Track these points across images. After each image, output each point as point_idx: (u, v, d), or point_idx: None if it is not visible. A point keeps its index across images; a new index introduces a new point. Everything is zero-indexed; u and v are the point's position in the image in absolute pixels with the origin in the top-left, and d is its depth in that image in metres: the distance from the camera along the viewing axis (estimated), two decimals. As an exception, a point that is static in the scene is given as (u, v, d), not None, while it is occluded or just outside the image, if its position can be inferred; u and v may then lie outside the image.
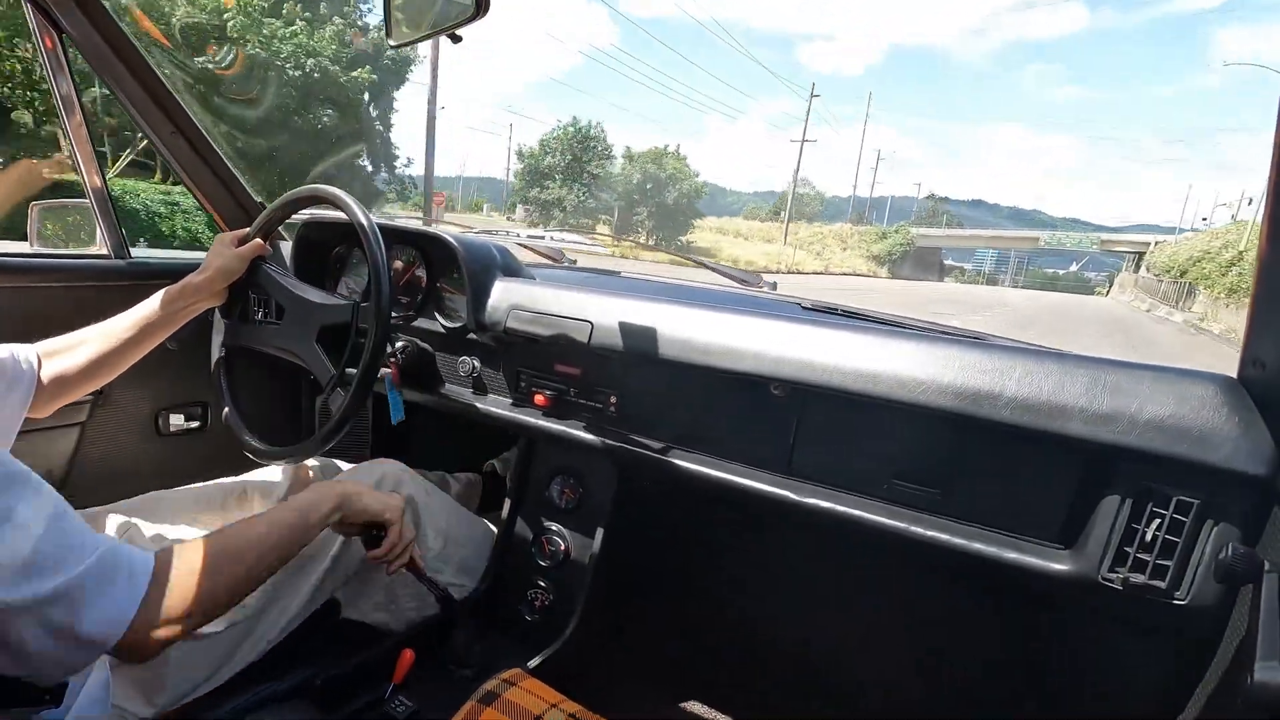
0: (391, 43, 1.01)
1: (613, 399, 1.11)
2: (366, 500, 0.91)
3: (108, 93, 1.28)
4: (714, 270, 1.43)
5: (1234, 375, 0.75)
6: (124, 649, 0.62)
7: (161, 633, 0.65)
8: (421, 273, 1.31)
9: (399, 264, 1.34)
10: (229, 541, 0.74)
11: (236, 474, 1.19)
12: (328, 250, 1.42)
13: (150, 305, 1.03)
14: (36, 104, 10.32)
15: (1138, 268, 48.49)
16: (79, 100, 1.26)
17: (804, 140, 39.46)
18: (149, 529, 0.99)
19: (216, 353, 1.19)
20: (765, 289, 1.39)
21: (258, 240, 1.13)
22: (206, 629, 0.88)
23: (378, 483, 1.08)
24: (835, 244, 47.63)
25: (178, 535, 1.00)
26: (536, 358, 1.18)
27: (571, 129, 30.86)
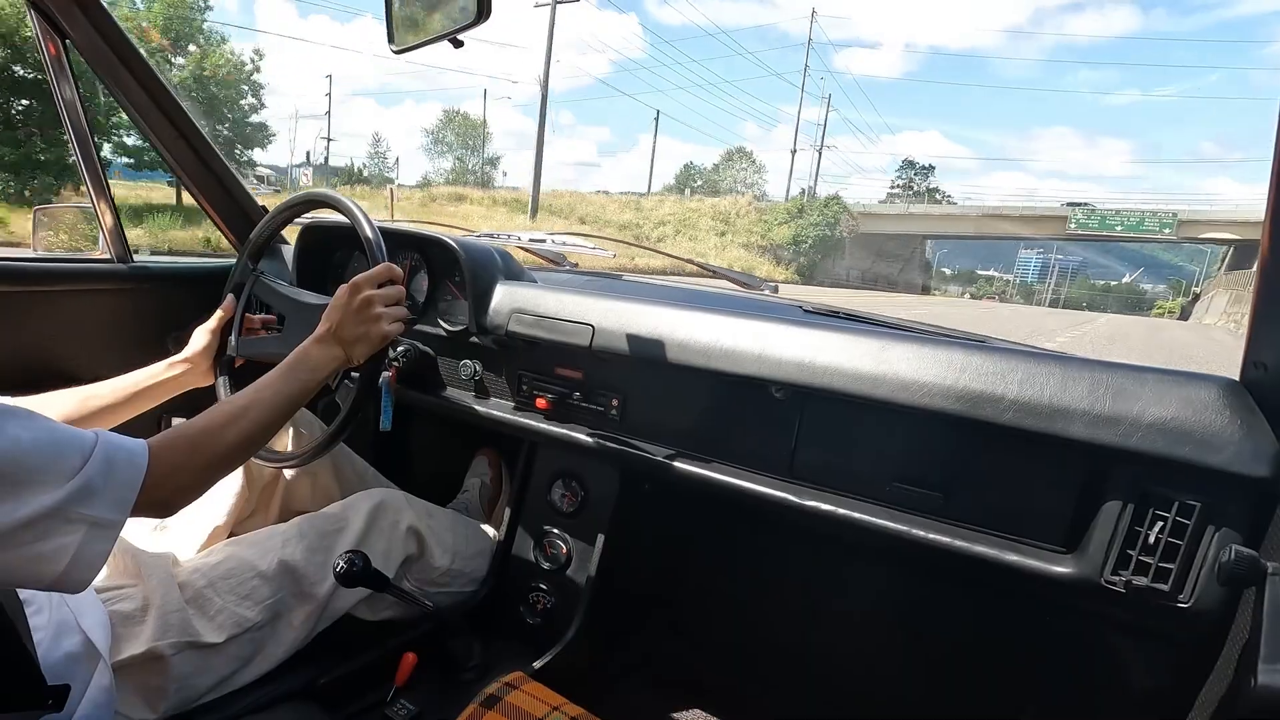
0: (393, 48, 1.01)
1: (614, 402, 1.11)
2: (370, 348, 0.91)
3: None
4: (716, 273, 1.44)
5: (1236, 378, 0.75)
6: (142, 511, 0.66)
7: (172, 497, 0.71)
8: (423, 276, 1.31)
9: (400, 267, 1.34)
10: (216, 409, 0.79)
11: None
12: (329, 254, 1.43)
13: (140, 375, 1.05)
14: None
15: (1238, 264, 34.45)
16: (81, 105, 1.26)
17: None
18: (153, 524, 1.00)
19: (220, 363, 1.19)
20: (766, 292, 1.40)
21: (223, 306, 1.15)
22: (209, 639, 0.89)
23: (375, 510, 1.08)
24: (710, 225, 32.22)
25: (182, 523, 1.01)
26: (538, 361, 1.18)
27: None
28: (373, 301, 0.91)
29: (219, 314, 1.15)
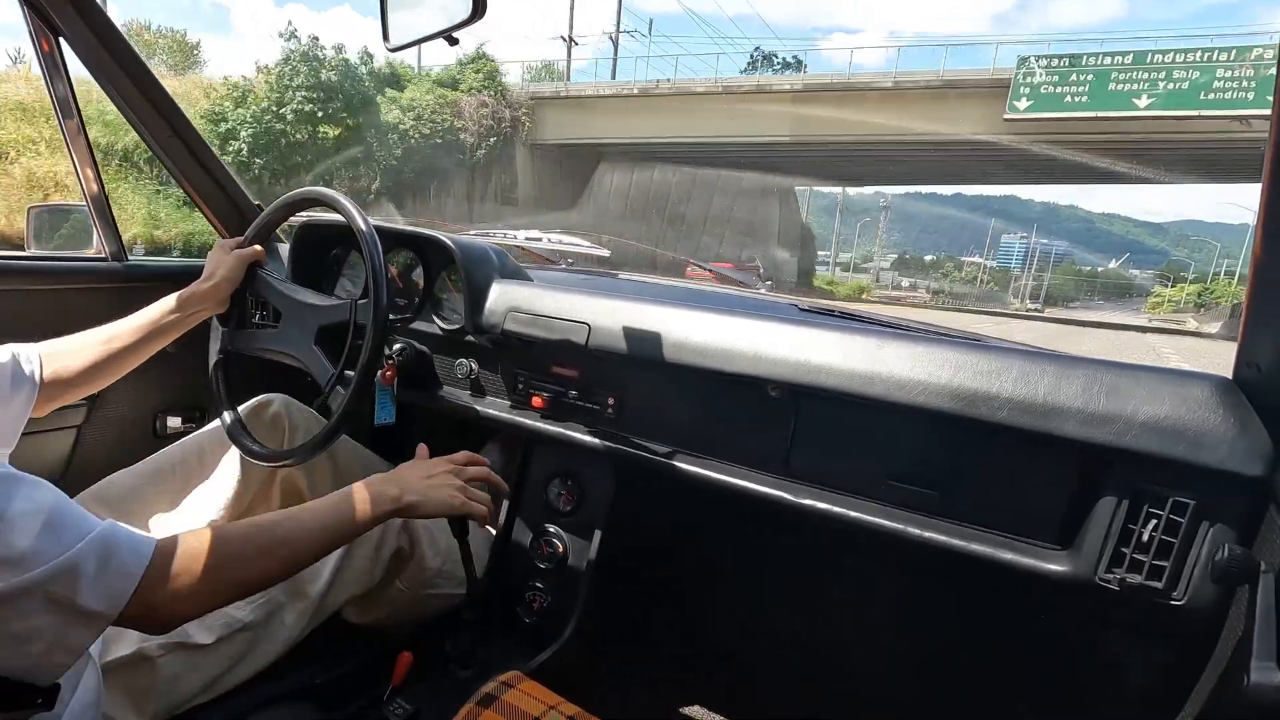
0: (388, 46, 1.01)
1: (610, 401, 1.11)
2: (430, 507, 0.85)
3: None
4: (712, 272, 1.44)
5: (1229, 376, 0.75)
6: (129, 621, 0.62)
7: (168, 609, 0.65)
8: (419, 275, 1.31)
9: (396, 266, 1.34)
10: (252, 530, 0.73)
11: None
12: (325, 253, 1.42)
13: (154, 311, 1.04)
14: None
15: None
16: (76, 103, 1.26)
17: None
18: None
19: (214, 356, 1.19)
20: (762, 290, 1.40)
21: (257, 246, 1.14)
22: (199, 640, 0.88)
23: None
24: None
25: (136, 515, 1.01)
26: (534, 360, 1.18)
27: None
28: (460, 473, 0.89)
29: (252, 249, 1.14)
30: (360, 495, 0.81)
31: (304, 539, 0.75)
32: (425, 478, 0.86)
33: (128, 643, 0.84)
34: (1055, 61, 16.03)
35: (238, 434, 1.14)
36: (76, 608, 0.58)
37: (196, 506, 1.10)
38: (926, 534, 0.87)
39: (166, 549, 0.64)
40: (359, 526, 0.81)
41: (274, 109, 16.64)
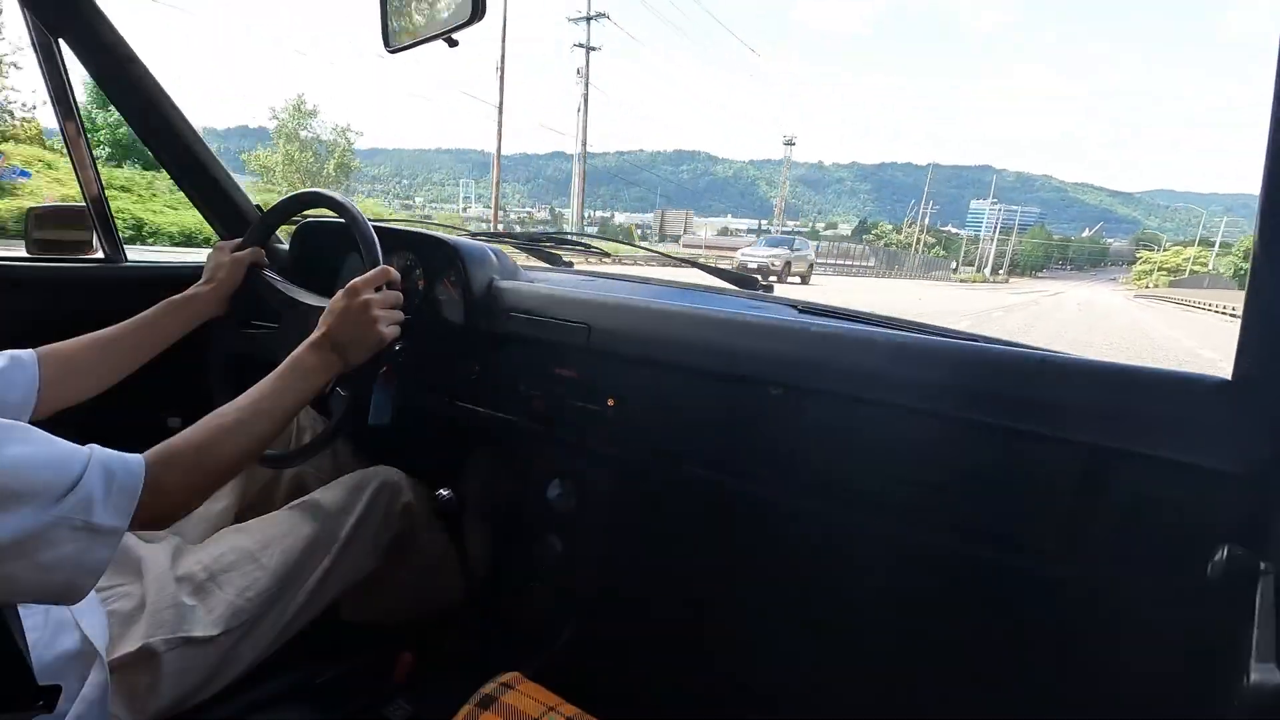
0: (389, 49, 1.01)
1: (610, 401, 1.11)
2: (364, 355, 0.92)
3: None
4: (711, 272, 1.44)
5: (1229, 378, 0.75)
6: (139, 524, 0.67)
7: (169, 505, 0.72)
8: (419, 275, 1.31)
9: (396, 267, 1.34)
10: (219, 418, 0.79)
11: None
12: (324, 253, 1.42)
13: (153, 314, 1.05)
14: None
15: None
16: (75, 104, 1.26)
17: None
18: None
19: (214, 358, 1.19)
20: (761, 291, 1.40)
21: (256, 248, 1.14)
22: (200, 633, 0.88)
23: (377, 490, 1.08)
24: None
25: None
26: (534, 361, 1.18)
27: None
28: (370, 305, 0.91)
29: (251, 250, 1.14)
30: (301, 366, 0.88)
31: (262, 413, 0.82)
32: (353, 329, 0.91)
33: (133, 639, 0.84)
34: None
35: None
36: (94, 529, 0.63)
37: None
38: (927, 537, 0.87)
39: (154, 458, 0.70)
40: (307, 395, 0.88)
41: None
